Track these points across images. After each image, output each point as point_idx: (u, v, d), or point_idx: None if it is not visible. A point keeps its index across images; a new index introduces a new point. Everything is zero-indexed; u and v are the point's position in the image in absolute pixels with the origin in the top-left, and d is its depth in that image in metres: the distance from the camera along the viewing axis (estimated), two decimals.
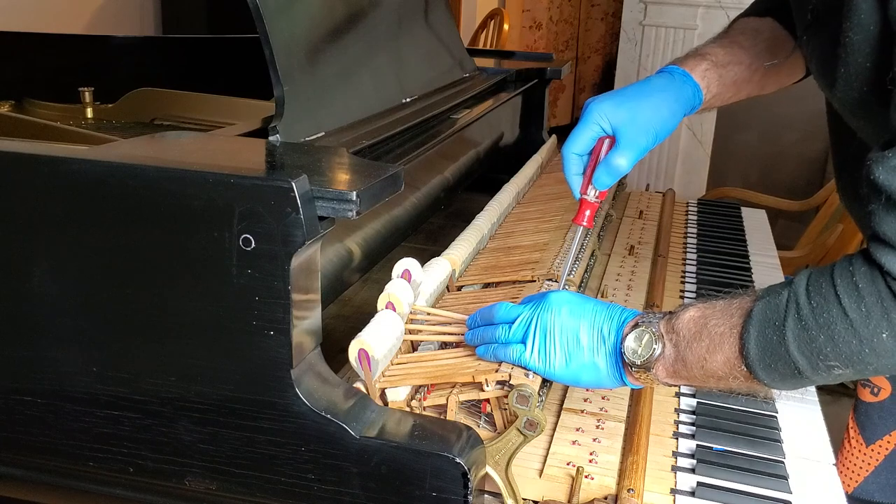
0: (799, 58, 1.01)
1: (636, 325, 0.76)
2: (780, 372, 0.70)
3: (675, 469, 0.82)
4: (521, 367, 0.79)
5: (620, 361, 0.77)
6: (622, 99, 0.90)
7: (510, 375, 0.78)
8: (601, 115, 0.89)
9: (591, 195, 0.92)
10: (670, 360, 0.75)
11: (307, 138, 0.88)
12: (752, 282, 1.31)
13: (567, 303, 0.80)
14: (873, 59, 0.70)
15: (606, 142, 0.90)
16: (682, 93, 0.93)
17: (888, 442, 1.11)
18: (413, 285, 0.88)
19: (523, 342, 0.79)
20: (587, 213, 0.92)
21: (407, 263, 0.90)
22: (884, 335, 0.65)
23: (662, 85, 0.93)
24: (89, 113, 1.54)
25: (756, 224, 1.60)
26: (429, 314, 0.91)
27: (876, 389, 1.11)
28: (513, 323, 0.80)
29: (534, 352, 0.78)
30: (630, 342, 0.76)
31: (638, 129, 0.88)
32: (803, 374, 0.69)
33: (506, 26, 3.40)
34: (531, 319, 0.79)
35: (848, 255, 0.70)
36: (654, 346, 0.74)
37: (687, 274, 1.30)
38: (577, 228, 0.93)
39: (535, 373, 0.79)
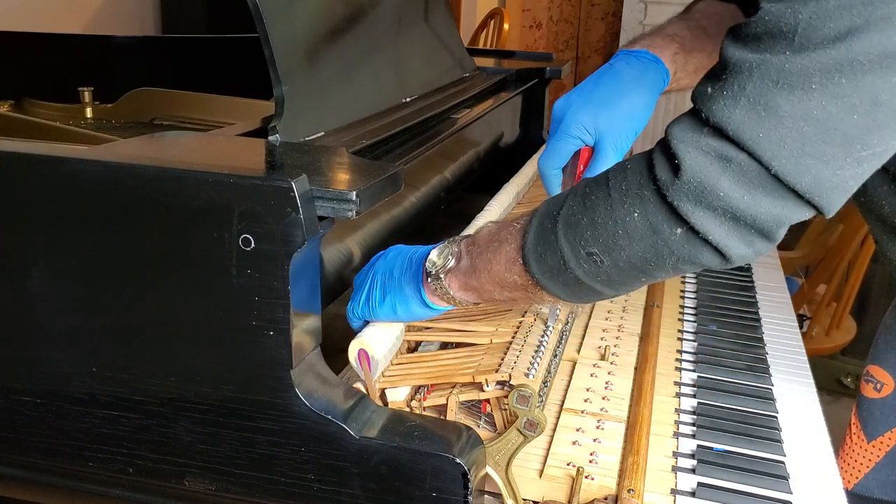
0: None
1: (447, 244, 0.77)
2: (548, 263, 0.68)
3: (675, 469, 0.82)
4: (365, 320, 0.81)
5: (421, 276, 0.76)
6: (599, 105, 0.86)
7: (510, 375, 0.78)
8: (579, 126, 0.86)
9: None
10: (464, 270, 0.74)
11: (307, 138, 0.87)
12: (751, 281, 1.30)
13: (397, 247, 0.81)
14: None
15: (587, 151, 0.86)
16: (655, 83, 0.89)
17: (889, 438, 1.10)
18: None
19: (361, 291, 0.80)
20: None
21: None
22: (635, 214, 0.64)
23: (635, 77, 0.88)
24: (89, 113, 1.54)
25: None
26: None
27: (879, 385, 1.11)
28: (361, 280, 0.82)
29: (362, 296, 0.79)
30: (432, 255, 0.76)
31: (620, 134, 0.86)
32: (567, 265, 0.67)
33: (506, 26, 3.40)
34: (367, 269, 0.81)
35: None
36: (450, 256, 0.74)
37: (686, 273, 1.29)
38: None
39: (366, 319, 0.81)
